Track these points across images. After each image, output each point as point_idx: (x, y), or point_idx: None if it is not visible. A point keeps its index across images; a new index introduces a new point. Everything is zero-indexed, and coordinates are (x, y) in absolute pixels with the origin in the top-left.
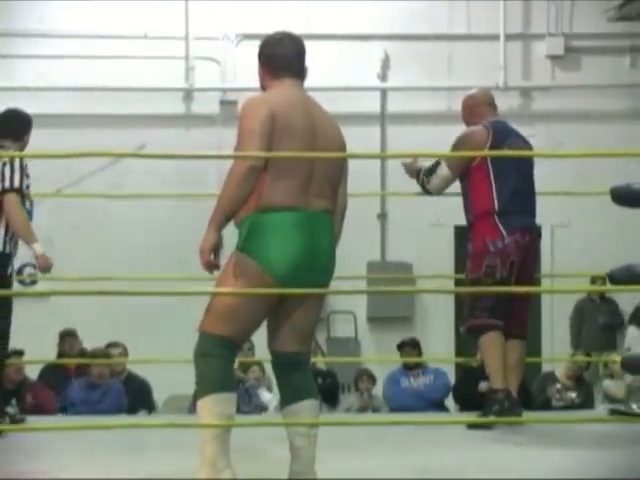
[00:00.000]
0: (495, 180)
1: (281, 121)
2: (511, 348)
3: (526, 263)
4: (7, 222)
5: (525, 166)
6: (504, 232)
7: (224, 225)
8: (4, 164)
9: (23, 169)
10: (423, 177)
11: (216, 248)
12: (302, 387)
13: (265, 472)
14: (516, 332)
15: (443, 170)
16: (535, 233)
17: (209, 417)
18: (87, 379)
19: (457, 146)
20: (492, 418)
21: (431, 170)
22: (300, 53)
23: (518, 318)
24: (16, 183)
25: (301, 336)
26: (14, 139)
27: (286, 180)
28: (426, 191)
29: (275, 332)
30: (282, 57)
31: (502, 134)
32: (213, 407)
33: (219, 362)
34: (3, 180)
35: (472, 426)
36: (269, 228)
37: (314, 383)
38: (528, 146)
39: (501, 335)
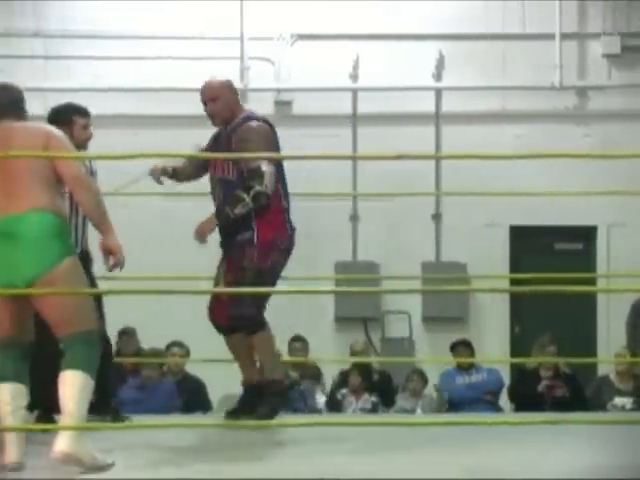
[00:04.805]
0: (280, 178)
1: None
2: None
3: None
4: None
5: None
6: (289, 232)
7: None
8: None
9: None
10: (257, 187)
11: None
12: None
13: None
14: None
15: (268, 167)
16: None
17: None
18: (139, 379)
19: (257, 141)
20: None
21: (259, 175)
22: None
23: None
24: None
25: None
26: None
27: None
28: (261, 199)
29: None
30: None
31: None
32: None
33: None
34: None
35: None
36: None
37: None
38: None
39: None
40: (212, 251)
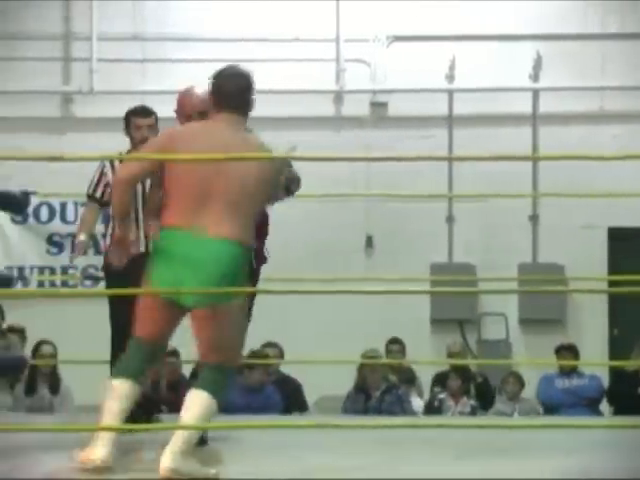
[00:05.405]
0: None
1: (176, 150)
2: None
3: None
4: None
5: None
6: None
7: (122, 223)
8: None
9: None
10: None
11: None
12: None
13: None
14: None
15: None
16: None
17: None
18: (243, 383)
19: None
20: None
21: (297, 179)
22: (241, 90)
23: None
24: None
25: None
26: None
27: (177, 204)
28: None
29: None
30: (223, 93)
31: None
32: None
33: None
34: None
35: None
36: (155, 246)
37: None
38: None
39: None
40: (318, 253)
